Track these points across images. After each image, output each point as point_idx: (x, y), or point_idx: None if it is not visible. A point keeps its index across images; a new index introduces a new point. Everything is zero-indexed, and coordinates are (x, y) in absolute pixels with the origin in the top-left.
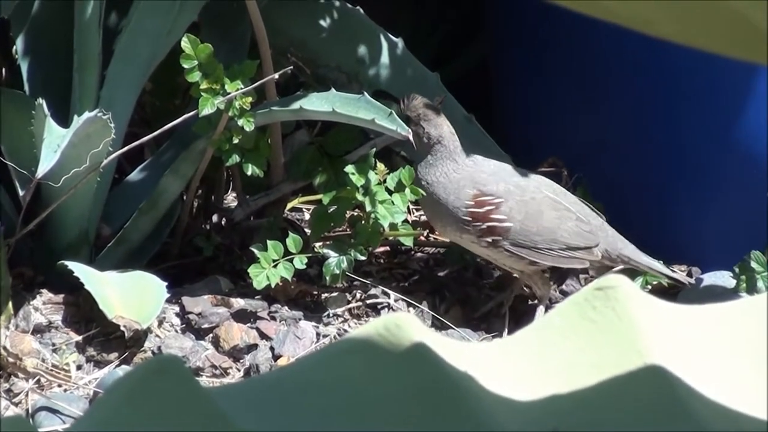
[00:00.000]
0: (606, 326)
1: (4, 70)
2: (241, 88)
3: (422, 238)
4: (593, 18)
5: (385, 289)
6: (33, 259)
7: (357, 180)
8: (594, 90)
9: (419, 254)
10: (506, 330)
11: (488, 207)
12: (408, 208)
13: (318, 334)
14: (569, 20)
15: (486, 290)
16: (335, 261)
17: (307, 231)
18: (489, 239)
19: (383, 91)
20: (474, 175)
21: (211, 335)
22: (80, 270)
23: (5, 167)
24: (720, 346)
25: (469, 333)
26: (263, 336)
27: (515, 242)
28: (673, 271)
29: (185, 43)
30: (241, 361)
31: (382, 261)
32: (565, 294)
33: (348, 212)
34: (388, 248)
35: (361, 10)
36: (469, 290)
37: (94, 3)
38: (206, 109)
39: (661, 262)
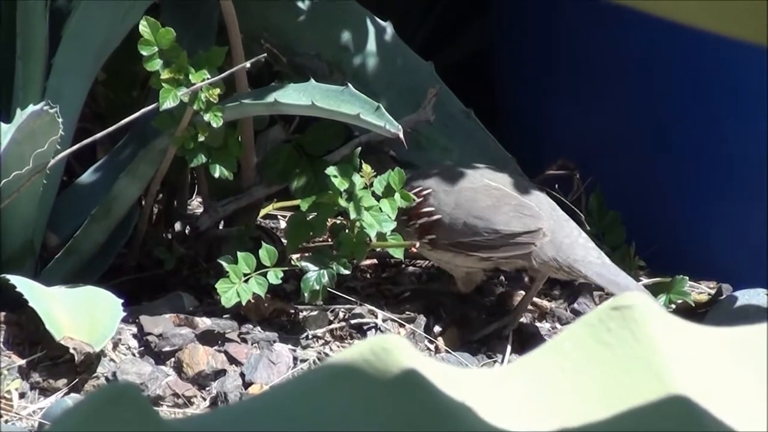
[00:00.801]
0: (622, 350)
1: None
2: (208, 79)
3: (414, 249)
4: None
5: (372, 308)
6: None
7: (340, 183)
8: (610, 83)
9: (411, 268)
10: (509, 354)
11: (418, 200)
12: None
13: (295, 359)
14: (581, 5)
15: (486, 309)
16: (315, 275)
17: (283, 241)
18: (427, 239)
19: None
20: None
21: (173, 359)
22: (23, 284)
23: None
24: (751, 372)
25: (467, 357)
26: (232, 360)
27: (451, 239)
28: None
29: (144, 27)
30: (207, 388)
31: (368, 275)
32: (576, 313)
33: (330, 220)
34: (375, 261)
35: None
36: (467, 309)
37: None
38: (168, 102)
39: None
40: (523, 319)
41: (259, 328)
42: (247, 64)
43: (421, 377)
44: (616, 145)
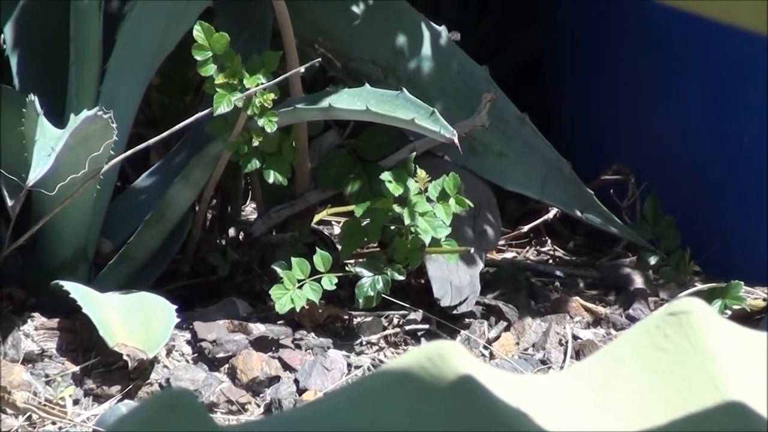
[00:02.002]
0: (679, 356)
1: None
2: (262, 83)
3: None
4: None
5: (427, 314)
6: (24, 279)
7: (394, 189)
8: (665, 87)
9: None
10: (566, 360)
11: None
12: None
13: (349, 365)
14: (636, 6)
15: (541, 314)
16: (369, 281)
17: (338, 247)
18: None
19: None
20: None
21: (227, 366)
22: (77, 291)
23: None
24: None
25: (523, 364)
26: (286, 367)
27: None
28: None
29: (198, 32)
30: (261, 395)
31: (422, 281)
32: (632, 319)
33: (384, 226)
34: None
35: None
36: (522, 315)
37: None
38: (222, 107)
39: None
40: (578, 325)
41: (313, 334)
42: (302, 69)
43: (477, 383)
44: (671, 150)
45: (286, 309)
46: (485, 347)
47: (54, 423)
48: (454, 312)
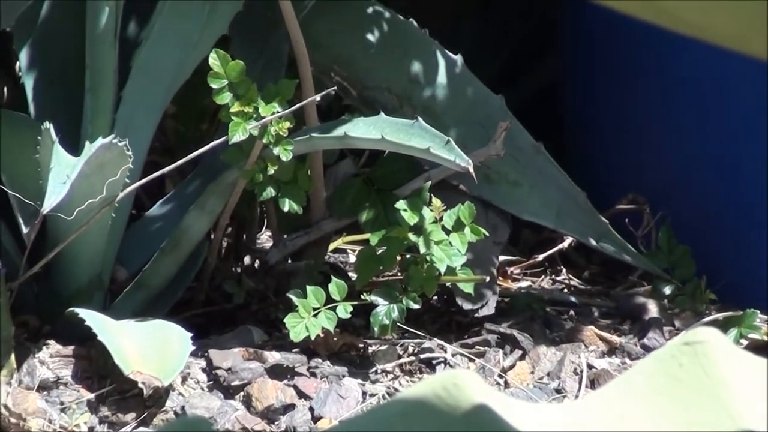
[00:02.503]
0: (694, 386)
1: (5, 89)
2: (278, 112)
3: (484, 284)
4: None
5: (441, 342)
6: (39, 306)
7: (409, 217)
8: (681, 116)
9: None
10: (581, 389)
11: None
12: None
13: (364, 393)
14: (651, 38)
15: (556, 343)
16: (384, 310)
17: (353, 275)
18: None
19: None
20: None
21: (242, 394)
22: (92, 318)
23: (6, 200)
24: None
25: (537, 393)
26: (302, 395)
27: None
28: None
29: (213, 60)
30: (277, 423)
31: (437, 310)
32: (647, 349)
33: (399, 254)
34: (444, 296)
35: (415, 23)
36: (537, 343)
37: (109, 11)
38: (237, 136)
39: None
40: (593, 354)
41: (328, 362)
42: (317, 98)
43: (492, 412)
44: (686, 179)
45: (301, 337)
46: (500, 376)
47: None
48: (476, 315)
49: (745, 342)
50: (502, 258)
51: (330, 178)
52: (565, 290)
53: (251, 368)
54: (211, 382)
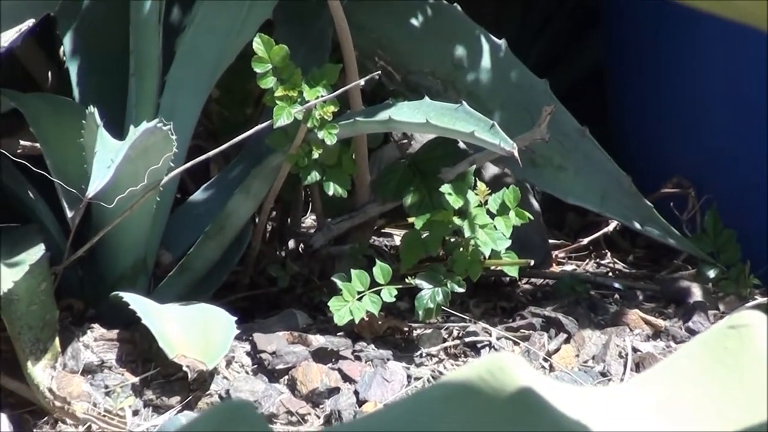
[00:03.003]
0: (738, 369)
1: (50, 74)
2: (322, 96)
3: (528, 268)
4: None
5: (486, 326)
6: (83, 290)
7: (454, 201)
8: (725, 100)
9: (525, 286)
10: (626, 372)
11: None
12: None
13: (409, 377)
14: (695, 20)
15: (601, 327)
16: (429, 293)
17: (397, 259)
18: None
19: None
20: None
21: (286, 377)
22: (137, 302)
23: (51, 185)
24: None
25: (582, 376)
26: (346, 378)
27: None
28: None
29: (258, 44)
30: (321, 406)
31: (482, 293)
32: (691, 332)
33: (444, 238)
34: (489, 279)
35: (459, 8)
36: (582, 327)
37: None
38: (282, 120)
39: None
40: (638, 338)
41: (372, 345)
42: (361, 82)
43: (537, 396)
44: (732, 163)
45: (344, 321)
46: (545, 359)
47: None
48: (532, 266)
49: None
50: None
51: (374, 162)
52: (610, 274)
53: (296, 352)
54: (256, 366)
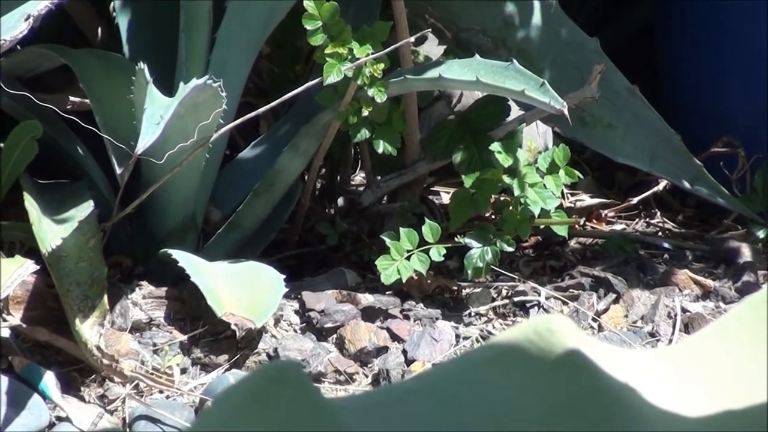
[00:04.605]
0: None
1: (99, 29)
2: (372, 53)
3: (578, 227)
4: None
5: (535, 285)
6: (132, 247)
7: (504, 160)
8: None
9: (574, 245)
10: (674, 333)
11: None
12: (562, 192)
13: (458, 336)
14: None
15: (650, 287)
16: (478, 252)
17: (447, 217)
18: None
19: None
20: None
21: (335, 336)
22: (186, 259)
23: (101, 141)
24: None
25: (631, 337)
26: (395, 337)
27: None
28: None
29: (308, 1)
30: (369, 365)
31: (531, 253)
32: (741, 292)
33: (493, 196)
34: (539, 238)
35: None
36: (631, 287)
37: None
38: (332, 77)
39: None
40: (687, 298)
41: (421, 304)
42: (412, 39)
43: (585, 358)
44: None
45: (392, 280)
46: (594, 319)
47: (161, 392)
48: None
49: None
50: (596, 201)
51: (424, 119)
52: (659, 233)
53: (344, 310)
54: (304, 325)
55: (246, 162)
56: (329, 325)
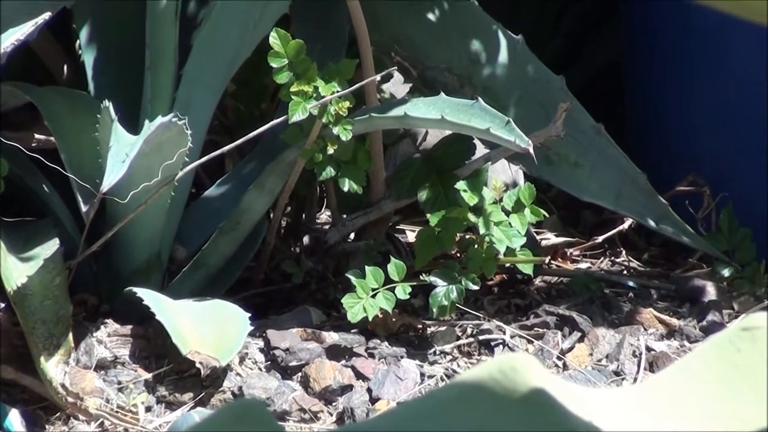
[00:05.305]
0: (752, 372)
1: (65, 67)
2: (338, 91)
3: (543, 265)
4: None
5: (500, 324)
6: (97, 285)
7: (469, 198)
8: (742, 97)
9: (539, 284)
10: (639, 372)
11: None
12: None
13: (422, 375)
14: (712, 19)
15: (615, 326)
16: (443, 291)
17: (412, 255)
18: None
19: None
20: None
21: (299, 374)
22: (151, 298)
23: (65, 179)
24: None
25: (596, 375)
26: (359, 376)
27: None
28: None
29: (274, 39)
30: (334, 404)
31: (496, 291)
32: (706, 331)
33: (459, 235)
34: (504, 276)
35: (475, 2)
36: (596, 325)
37: None
38: (297, 115)
39: None
40: (651, 337)
41: (386, 343)
42: (378, 77)
43: (549, 397)
44: (747, 161)
45: (358, 318)
46: (559, 358)
47: (126, 430)
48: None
49: None
50: (561, 239)
51: (390, 158)
52: (625, 272)
53: (309, 349)
54: (269, 363)
55: (211, 200)
56: (294, 363)
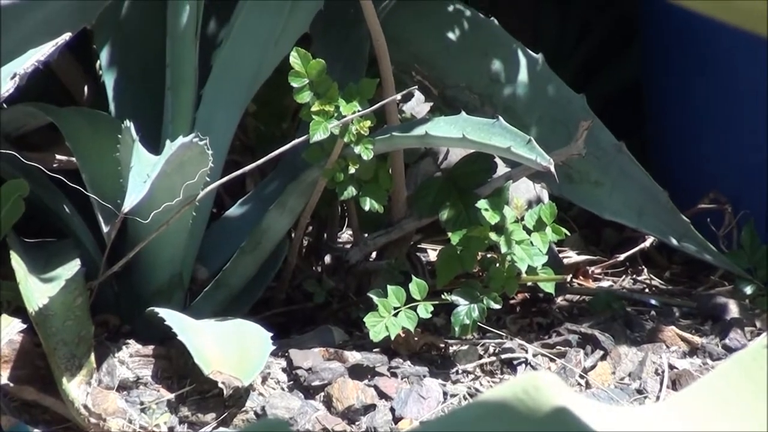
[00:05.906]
0: None
1: (86, 87)
2: (359, 111)
3: (565, 283)
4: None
5: (522, 342)
6: (119, 306)
7: (491, 217)
8: (764, 115)
9: (561, 302)
10: (662, 390)
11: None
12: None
13: (445, 393)
14: (733, 35)
15: (638, 344)
16: (465, 309)
17: (433, 274)
18: None
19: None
20: None
21: (322, 394)
22: (172, 318)
23: (87, 200)
24: None
25: (619, 394)
26: (382, 395)
27: None
28: None
29: (294, 59)
30: (357, 423)
31: (518, 309)
32: (728, 349)
33: (480, 253)
34: (526, 295)
35: (496, 21)
36: (618, 343)
37: (190, 10)
38: (318, 134)
39: None
40: (674, 355)
41: (409, 362)
42: (398, 96)
43: (572, 416)
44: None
45: (380, 337)
46: (581, 376)
47: None
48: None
49: None
50: (583, 257)
51: (411, 177)
52: (646, 290)
53: (332, 368)
54: (292, 382)
55: (233, 220)
56: (317, 383)
